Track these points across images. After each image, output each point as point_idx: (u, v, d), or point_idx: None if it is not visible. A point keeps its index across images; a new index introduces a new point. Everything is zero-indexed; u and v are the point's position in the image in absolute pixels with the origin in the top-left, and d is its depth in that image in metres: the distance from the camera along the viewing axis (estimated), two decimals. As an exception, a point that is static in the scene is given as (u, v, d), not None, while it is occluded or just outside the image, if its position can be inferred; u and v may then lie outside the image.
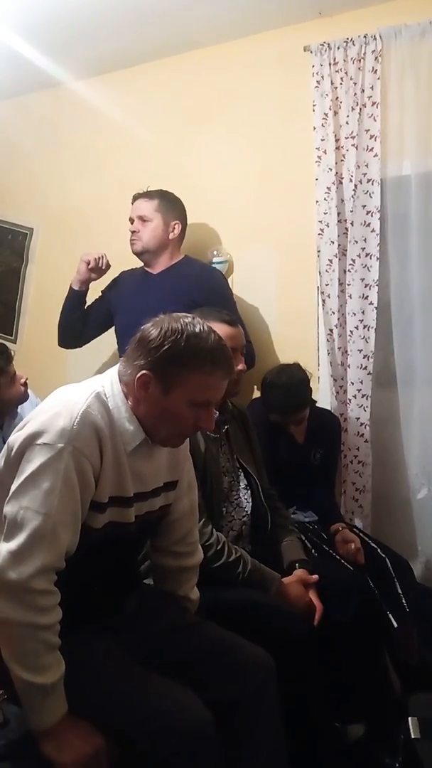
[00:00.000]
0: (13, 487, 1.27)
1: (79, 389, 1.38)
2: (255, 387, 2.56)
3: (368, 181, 2.48)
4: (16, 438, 1.32)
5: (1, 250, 3.49)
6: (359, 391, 2.55)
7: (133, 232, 2.56)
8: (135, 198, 2.60)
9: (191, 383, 1.34)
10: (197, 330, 1.35)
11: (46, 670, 1.22)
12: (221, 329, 1.80)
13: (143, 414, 1.37)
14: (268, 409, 2.32)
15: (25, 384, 2.25)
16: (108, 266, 2.64)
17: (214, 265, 2.78)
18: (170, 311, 1.41)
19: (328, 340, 2.58)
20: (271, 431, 2.32)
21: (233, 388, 1.92)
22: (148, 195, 2.57)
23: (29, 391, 2.33)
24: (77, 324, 2.70)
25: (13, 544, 1.22)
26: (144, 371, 1.34)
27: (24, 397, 2.26)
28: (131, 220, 2.59)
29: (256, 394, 2.54)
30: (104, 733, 1.26)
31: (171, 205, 2.57)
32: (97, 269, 2.62)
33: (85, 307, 2.71)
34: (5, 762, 1.25)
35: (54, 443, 1.26)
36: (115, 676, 1.32)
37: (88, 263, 2.61)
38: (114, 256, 2.65)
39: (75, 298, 2.68)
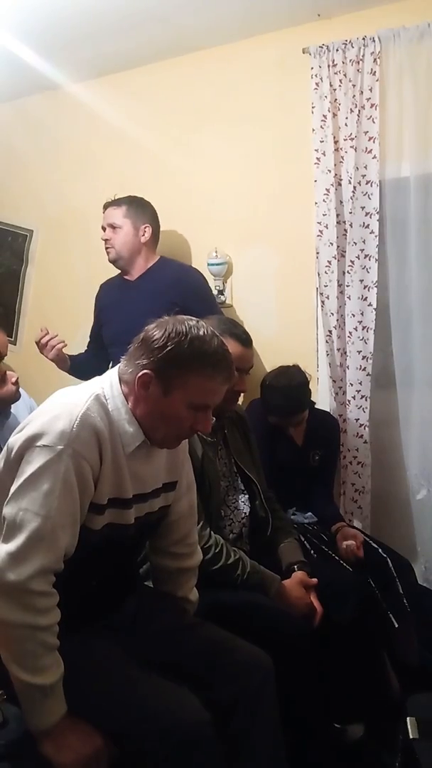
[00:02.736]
0: (13, 489, 1.28)
1: (79, 391, 1.38)
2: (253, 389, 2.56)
3: (367, 182, 2.48)
4: (15, 440, 1.33)
5: (1, 252, 3.50)
6: (358, 392, 2.56)
7: (105, 240, 2.59)
8: (105, 207, 2.62)
9: (191, 386, 1.35)
10: (201, 333, 1.36)
11: (45, 671, 1.23)
12: (233, 346, 1.81)
13: (142, 414, 1.38)
14: (267, 411, 2.32)
15: (16, 383, 2.22)
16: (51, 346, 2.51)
17: (212, 267, 2.79)
18: (152, 317, 1.41)
19: (327, 342, 2.58)
20: (270, 433, 2.33)
21: (229, 405, 1.92)
22: (116, 203, 2.59)
23: (21, 390, 2.31)
24: (86, 365, 2.67)
25: (12, 546, 1.23)
26: (145, 371, 1.35)
27: (16, 397, 2.22)
28: (103, 229, 2.60)
29: (255, 395, 2.54)
30: (103, 734, 1.26)
31: (140, 209, 2.58)
32: (45, 347, 2.52)
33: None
34: (5, 762, 1.25)
35: (54, 445, 1.27)
36: (115, 677, 1.33)
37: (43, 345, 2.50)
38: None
39: (64, 366, 2.65)
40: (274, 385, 2.29)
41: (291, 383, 2.28)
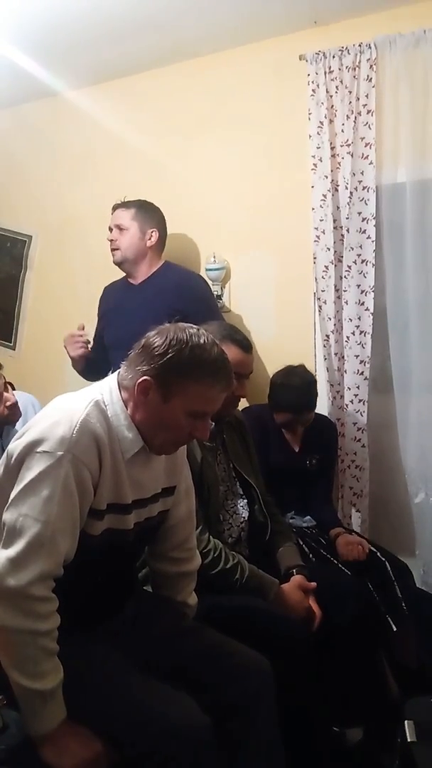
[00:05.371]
0: (13, 495, 1.28)
1: (79, 397, 1.39)
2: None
3: (363, 188, 2.49)
4: (15, 445, 1.34)
5: (0, 257, 3.51)
6: (356, 396, 2.57)
7: (111, 241, 2.60)
8: (114, 209, 2.64)
9: (191, 393, 1.36)
10: (201, 341, 1.37)
11: (44, 676, 1.23)
12: (234, 352, 1.82)
13: (140, 420, 1.38)
14: (277, 409, 2.33)
15: (11, 407, 2.19)
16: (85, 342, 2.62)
17: (210, 272, 2.80)
18: (154, 322, 1.42)
19: (324, 346, 2.60)
20: (267, 437, 2.34)
21: (228, 410, 1.93)
22: (125, 205, 2.61)
23: (19, 392, 2.31)
24: (94, 365, 2.68)
25: (12, 551, 1.24)
26: (145, 377, 1.36)
27: (9, 419, 2.21)
28: (110, 230, 2.62)
29: (254, 400, 2.55)
30: (103, 739, 1.27)
31: (148, 213, 2.60)
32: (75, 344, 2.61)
33: (89, 344, 2.71)
34: (5, 767, 1.26)
35: (54, 451, 1.27)
36: (114, 682, 1.33)
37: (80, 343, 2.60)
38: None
39: (81, 365, 2.67)
40: (286, 383, 2.32)
41: (303, 380, 2.32)
